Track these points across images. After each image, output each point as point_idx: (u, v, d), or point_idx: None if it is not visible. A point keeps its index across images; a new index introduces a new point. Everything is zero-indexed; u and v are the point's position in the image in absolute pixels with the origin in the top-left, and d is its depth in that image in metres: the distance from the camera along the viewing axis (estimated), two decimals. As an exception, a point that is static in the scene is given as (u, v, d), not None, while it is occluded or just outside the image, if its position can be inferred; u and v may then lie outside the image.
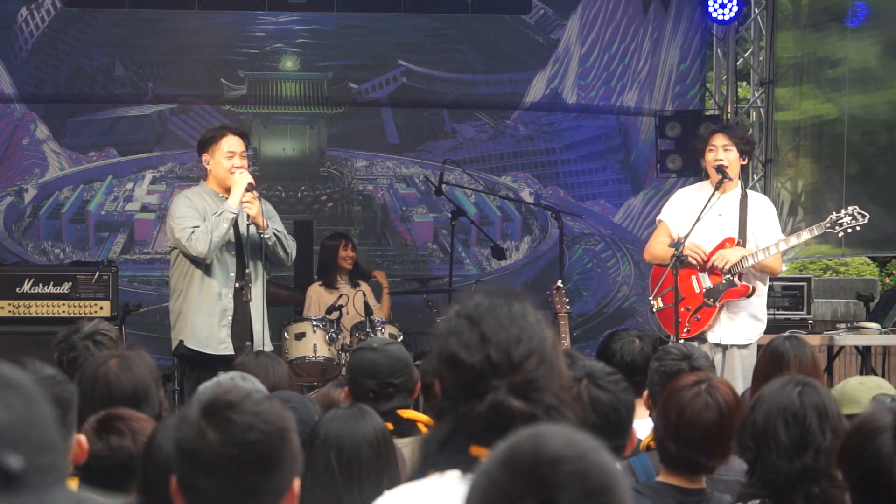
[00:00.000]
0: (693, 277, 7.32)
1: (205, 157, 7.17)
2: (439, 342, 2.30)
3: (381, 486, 3.29)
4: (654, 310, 7.36)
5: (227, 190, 7.11)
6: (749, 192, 7.55)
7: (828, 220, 7.24)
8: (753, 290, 7.26)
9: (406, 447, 3.94)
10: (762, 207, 7.46)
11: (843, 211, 7.22)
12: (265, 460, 2.30)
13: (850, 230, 7.22)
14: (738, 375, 7.07)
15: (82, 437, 2.79)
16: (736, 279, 7.25)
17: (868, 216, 7.24)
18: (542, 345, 2.26)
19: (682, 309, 7.25)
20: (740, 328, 7.29)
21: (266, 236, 7.06)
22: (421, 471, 2.27)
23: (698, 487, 3.51)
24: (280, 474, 2.31)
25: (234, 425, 2.31)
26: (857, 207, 7.23)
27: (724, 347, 7.24)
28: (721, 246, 7.30)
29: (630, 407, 3.12)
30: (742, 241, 7.29)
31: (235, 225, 7.08)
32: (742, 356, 7.20)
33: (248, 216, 7.00)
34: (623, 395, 3.10)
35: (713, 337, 7.27)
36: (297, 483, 2.34)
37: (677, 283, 7.23)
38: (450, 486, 2.20)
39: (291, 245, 7.28)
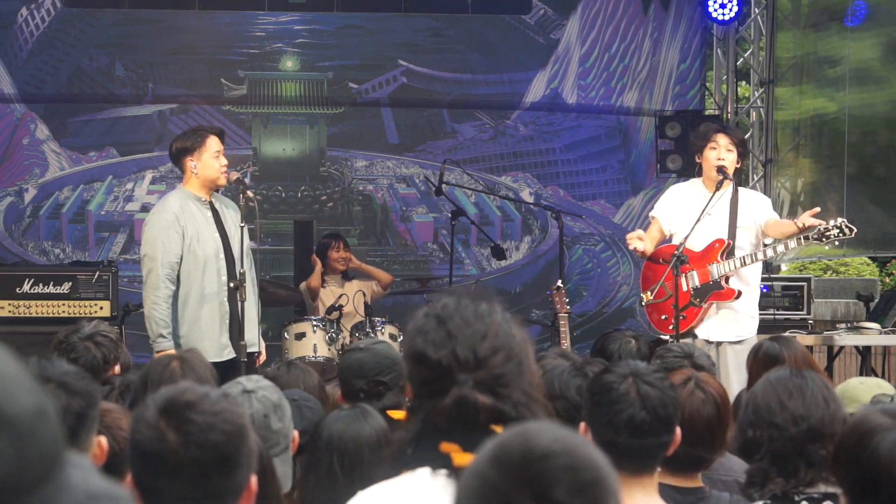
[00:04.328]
0: (683, 275, 7.37)
1: (189, 160, 6.99)
2: (407, 341, 2.35)
3: None
4: (644, 303, 7.48)
5: (216, 190, 7.11)
6: (741, 189, 7.60)
7: (815, 230, 7.22)
8: (739, 293, 7.32)
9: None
10: (754, 201, 7.52)
11: (831, 222, 7.22)
12: (227, 460, 2.29)
13: (836, 243, 7.24)
14: (732, 371, 7.14)
15: (102, 439, 2.77)
16: (723, 282, 7.31)
17: (855, 230, 7.25)
18: (508, 342, 2.29)
19: (671, 306, 7.31)
20: (729, 325, 7.34)
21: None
22: (394, 470, 2.29)
23: (696, 486, 3.52)
24: (240, 473, 2.31)
25: (195, 426, 2.29)
26: (846, 220, 7.23)
27: (717, 344, 7.30)
28: (711, 247, 7.36)
29: (676, 404, 3.14)
30: (732, 240, 7.35)
31: (221, 229, 7.06)
32: (736, 352, 7.24)
33: (241, 227, 7.02)
34: (670, 391, 3.13)
35: (702, 333, 7.35)
36: (253, 480, 2.34)
37: (677, 282, 7.28)
38: (420, 483, 2.22)
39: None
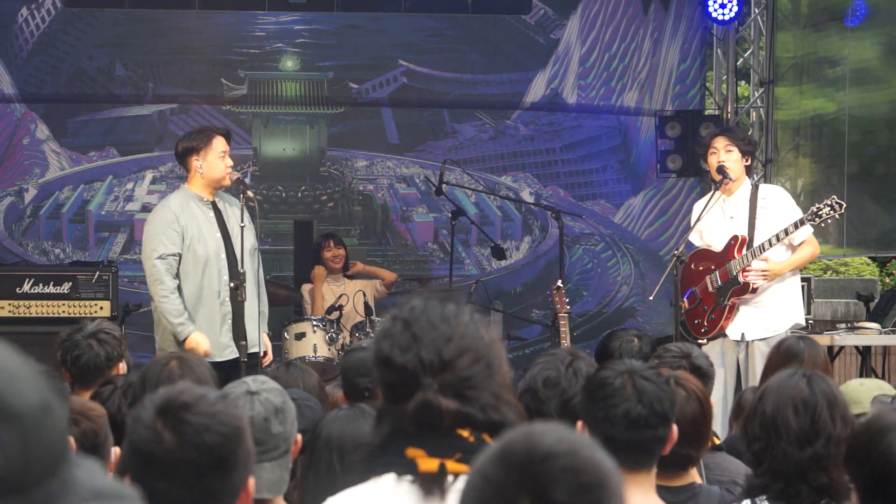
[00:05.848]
0: (707, 278, 7.44)
1: (195, 160, 7.02)
2: (374, 345, 2.32)
3: None
4: (683, 310, 7.53)
5: (221, 189, 7.10)
6: (760, 185, 7.65)
7: (808, 212, 7.29)
8: (755, 287, 7.34)
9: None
10: (772, 199, 7.53)
11: (823, 202, 7.27)
12: (222, 461, 2.30)
13: (829, 220, 7.26)
14: (760, 371, 7.10)
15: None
16: (739, 277, 7.34)
17: (845, 204, 7.28)
18: (476, 343, 2.26)
19: (701, 309, 7.38)
20: (761, 321, 7.37)
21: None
22: (361, 475, 2.27)
23: (687, 483, 3.52)
24: (236, 474, 2.31)
25: (191, 427, 2.30)
26: (835, 197, 7.27)
27: (747, 343, 7.32)
28: (728, 244, 7.41)
29: (673, 399, 3.15)
30: (750, 239, 7.38)
31: (224, 229, 7.07)
32: (762, 352, 7.23)
33: (241, 228, 7.01)
34: (666, 386, 3.14)
35: (733, 333, 7.36)
36: (251, 482, 2.34)
37: (677, 282, 7.32)
38: (385, 489, 2.21)
39: (264, 303, 7.30)
